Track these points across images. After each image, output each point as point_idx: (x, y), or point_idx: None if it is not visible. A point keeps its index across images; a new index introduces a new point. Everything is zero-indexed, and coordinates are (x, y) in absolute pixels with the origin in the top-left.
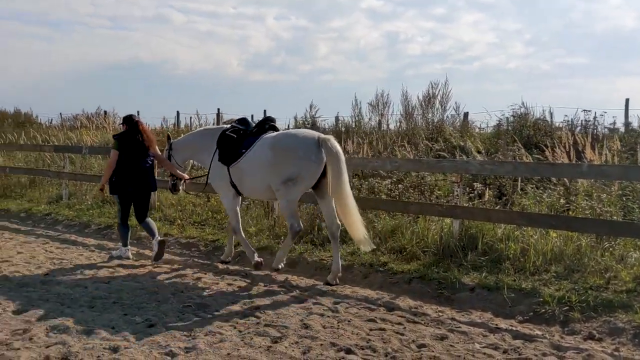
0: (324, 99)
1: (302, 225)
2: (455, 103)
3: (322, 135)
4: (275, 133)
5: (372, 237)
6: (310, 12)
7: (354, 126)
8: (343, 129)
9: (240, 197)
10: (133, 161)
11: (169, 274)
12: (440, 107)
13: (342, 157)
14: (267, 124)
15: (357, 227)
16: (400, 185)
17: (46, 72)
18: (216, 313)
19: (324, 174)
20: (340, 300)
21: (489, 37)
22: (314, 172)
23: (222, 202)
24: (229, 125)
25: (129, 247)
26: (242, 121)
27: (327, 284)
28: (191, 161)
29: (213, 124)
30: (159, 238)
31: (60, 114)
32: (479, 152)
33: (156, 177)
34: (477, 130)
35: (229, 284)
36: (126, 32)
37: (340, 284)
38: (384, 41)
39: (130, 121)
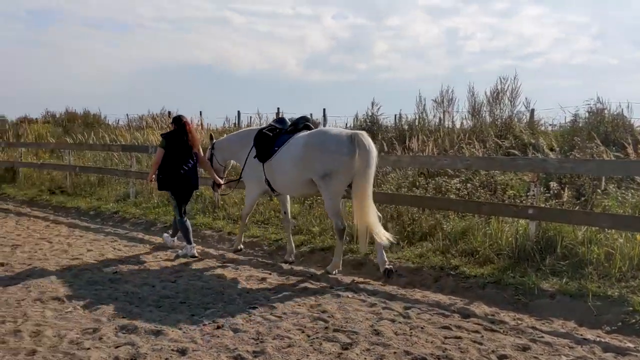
0: (382, 98)
1: (345, 223)
2: (526, 99)
3: (354, 131)
4: (309, 131)
5: (441, 238)
6: (368, 10)
7: (417, 124)
8: (406, 127)
9: (277, 195)
10: (178, 159)
11: (234, 274)
12: (509, 103)
13: (374, 151)
14: (302, 122)
15: (375, 219)
16: (469, 185)
17: (113, 74)
18: (283, 315)
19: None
20: (411, 305)
21: (553, 32)
22: (348, 165)
23: (246, 194)
24: (267, 125)
25: (194, 244)
26: (280, 121)
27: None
28: (231, 161)
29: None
30: (189, 247)
31: (127, 114)
32: (551, 150)
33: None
34: (548, 127)
35: (294, 285)
36: (188, 34)
37: (410, 287)
38: (443, 38)
39: (179, 121)
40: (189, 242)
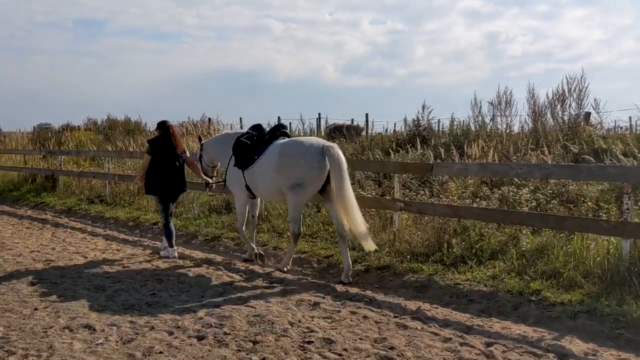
0: (421, 102)
1: (302, 229)
2: (595, 100)
3: (327, 143)
4: (285, 140)
5: (515, 257)
6: (405, 15)
7: (473, 128)
8: (459, 132)
9: (253, 199)
10: (165, 163)
11: (283, 298)
12: (575, 105)
13: (344, 164)
14: (279, 130)
15: (359, 226)
16: (538, 195)
17: (155, 81)
18: (344, 353)
19: (329, 180)
20: (493, 341)
21: (597, 34)
22: (317, 178)
23: (235, 203)
24: (244, 131)
25: (175, 247)
26: (256, 127)
27: (342, 283)
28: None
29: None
30: (171, 250)
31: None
32: (624, 155)
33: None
34: (618, 130)
35: (353, 313)
36: (228, 42)
37: (485, 315)
38: (483, 42)
39: (163, 126)
40: (171, 246)
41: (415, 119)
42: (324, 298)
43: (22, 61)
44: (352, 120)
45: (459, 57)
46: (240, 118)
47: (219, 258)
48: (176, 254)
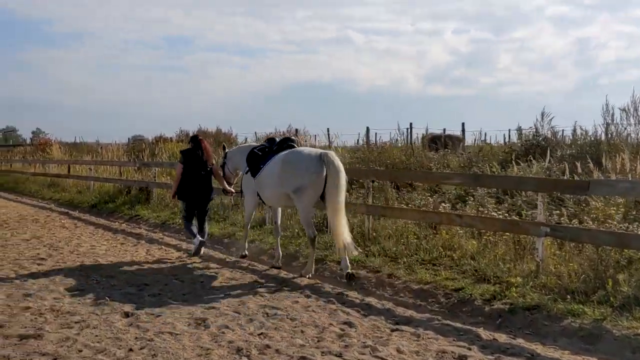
0: (509, 111)
1: (316, 232)
2: None
3: (323, 151)
4: (287, 151)
5: None
6: (490, 24)
7: (604, 138)
8: (586, 142)
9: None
10: (195, 172)
11: (418, 346)
12: None
13: (341, 169)
14: (286, 142)
15: (343, 230)
16: None
17: (241, 94)
18: None
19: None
20: None
21: None
22: (316, 182)
23: (245, 205)
24: (260, 144)
25: (198, 236)
26: (270, 140)
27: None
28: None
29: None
30: (200, 239)
31: (255, 132)
32: None
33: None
34: None
35: None
36: (310, 55)
37: None
38: (571, 49)
39: (195, 139)
40: (194, 236)
41: (534, 127)
42: (469, 349)
43: (116, 77)
44: (444, 130)
45: (546, 64)
46: (328, 129)
47: (327, 287)
48: (198, 240)
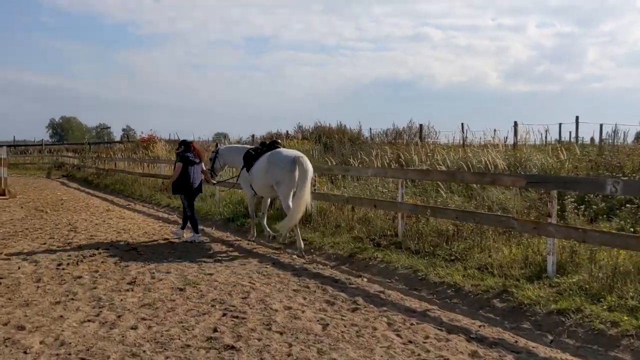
0: (594, 108)
1: (291, 206)
2: None
3: (298, 154)
4: (272, 151)
5: None
6: (576, 17)
7: None
8: None
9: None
10: (190, 170)
11: None
12: None
13: (310, 169)
14: (275, 144)
15: (299, 214)
16: None
17: (320, 91)
18: None
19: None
20: None
21: None
22: (290, 178)
23: (246, 197)
24: (254, 146)
25: (200, 234)
26: (262, 143)
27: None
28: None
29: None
30: (194, 237)
31: (370, 128)
32: None
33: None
34: None
35: None
36: (387, 52)
37: None
38: None
39: (185, 143)
40: (197, 232)
41: None
42: None
43: (198, 77)
44: (515, 123)
45: (636, 59)
46: (462, 123)
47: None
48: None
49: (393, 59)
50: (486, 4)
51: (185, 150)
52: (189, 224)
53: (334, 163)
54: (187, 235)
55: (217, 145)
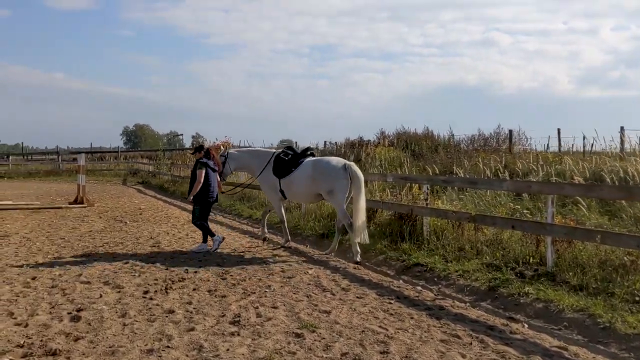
0: None
1: (351, 219)
2: None
3: (348, 162)
4: (316, 158)
5: None
6: None
7: None
8: None
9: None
10: (211, 178)
11: None
12: None
13: (361, 177)
14: (309, 151)
15: (362, 220)
16: None
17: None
18: None
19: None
20: None
21: None
22: (343, 186)
23: (271, 200)
24: (280, 150)
25: (216, 235)
26: (290, 148)
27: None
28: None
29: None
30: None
31: (453, 134)
32: None
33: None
34: None
35: None
36: (453, 57)
37: None
38: None
39: (203, 149)
40: (212, 236)
41: None
42: None
43: (264, 85)
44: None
45: None
46: (559, 129)
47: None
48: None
49: (461, 65)
50: (557, 8)
51: (205, 156)
52: (210, 236)
53: (430, 172)
54: (210, 244)
55: (226, 149)
